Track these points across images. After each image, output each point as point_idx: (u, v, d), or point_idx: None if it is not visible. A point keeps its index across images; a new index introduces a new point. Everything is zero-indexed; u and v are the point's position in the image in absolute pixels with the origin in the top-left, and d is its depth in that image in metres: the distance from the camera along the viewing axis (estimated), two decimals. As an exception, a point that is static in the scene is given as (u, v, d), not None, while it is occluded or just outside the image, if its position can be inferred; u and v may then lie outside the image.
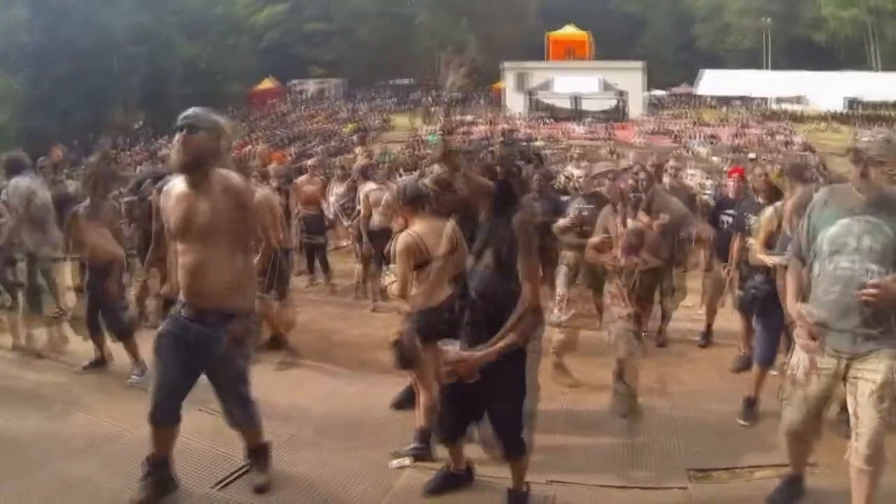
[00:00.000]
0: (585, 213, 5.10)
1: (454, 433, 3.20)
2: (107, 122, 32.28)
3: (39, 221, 5.44)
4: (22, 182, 5.40)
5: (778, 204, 4.29)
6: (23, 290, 5.54)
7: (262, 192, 5.31)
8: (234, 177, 3.05)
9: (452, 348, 2.93)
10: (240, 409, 3.18)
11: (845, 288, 2.74)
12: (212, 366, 3.07)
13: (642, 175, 4.83)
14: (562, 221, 5.19)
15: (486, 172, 3.11)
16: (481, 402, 3.01)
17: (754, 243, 4.43)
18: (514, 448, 3.04)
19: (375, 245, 6.67)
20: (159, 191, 3.33)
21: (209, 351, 3.00)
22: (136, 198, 6.04)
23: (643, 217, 4.54)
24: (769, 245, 4.17)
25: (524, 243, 2.86)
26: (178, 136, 2.95)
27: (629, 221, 4.31)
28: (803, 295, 2.94)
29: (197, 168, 2.95)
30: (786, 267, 3.20)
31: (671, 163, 6.96)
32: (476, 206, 3.12)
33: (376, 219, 6.90)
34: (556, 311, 4.99)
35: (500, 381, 2.90)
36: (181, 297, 3.09)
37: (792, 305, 2.97)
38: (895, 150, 2.72)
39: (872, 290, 2.64)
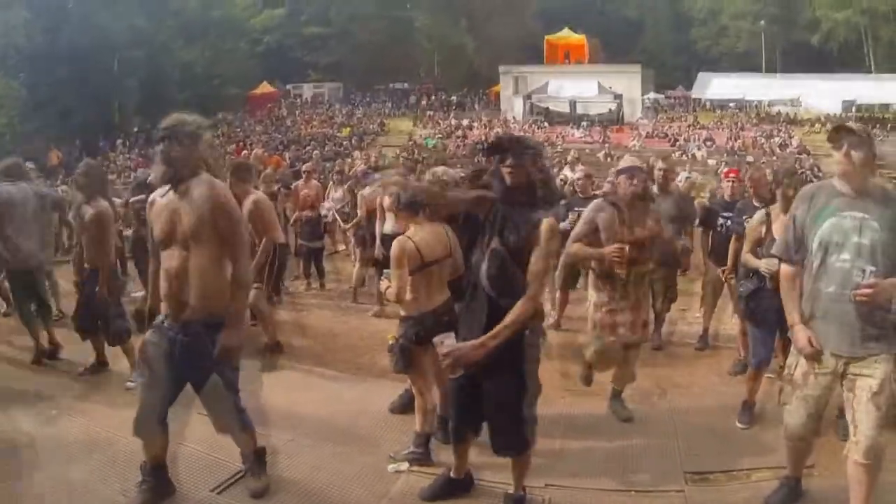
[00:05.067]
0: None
1: (464, 434, 3.19)
2: (105, 125, 32.27)
3: (31, 231, 5.38)
4: (11, 188, 5.34)
5: (770, 208, 4.28)
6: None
7: (253, 196, 5.31)
8: (218, 183, 3.05)
9: (448, 341, 2.93)
10: (229, 417, 3.16)
11: (840, 287, 2.75)
12: (195, 375, 3.04)
13: (657, 175, 4.74)
14: (560, 225, 5.17)
15: (473, 178, 3.10)
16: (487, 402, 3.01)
17: (744, 249, 4.42)
18: (513, 442, 3.03)
19: (387, 249, 6.63)
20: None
21: (193, 361, 2.99)
22: (144, 196, 6.00)
23: (645, 221, 4.52)
24: (756, 250, 4.18)
25: (545, 246, 2.84)
26: (158, 147, 2.96)
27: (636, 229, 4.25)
28: (801, 293, 2.95)
29: (178, 176, 2.95)
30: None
31: (660, 164, 6.95)
32: (476, 212, 3.09)
33: (390, 224, 6.87)
34: (550, 311, 4.94)
35: (500, 374, 2.90)
36: (163, 306, 3.08)
37: (789, 310, 2.97)
38: (869, 132, 2.75)
39: (867, 290, 2.65)
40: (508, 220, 2.88)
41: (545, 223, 2.86)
